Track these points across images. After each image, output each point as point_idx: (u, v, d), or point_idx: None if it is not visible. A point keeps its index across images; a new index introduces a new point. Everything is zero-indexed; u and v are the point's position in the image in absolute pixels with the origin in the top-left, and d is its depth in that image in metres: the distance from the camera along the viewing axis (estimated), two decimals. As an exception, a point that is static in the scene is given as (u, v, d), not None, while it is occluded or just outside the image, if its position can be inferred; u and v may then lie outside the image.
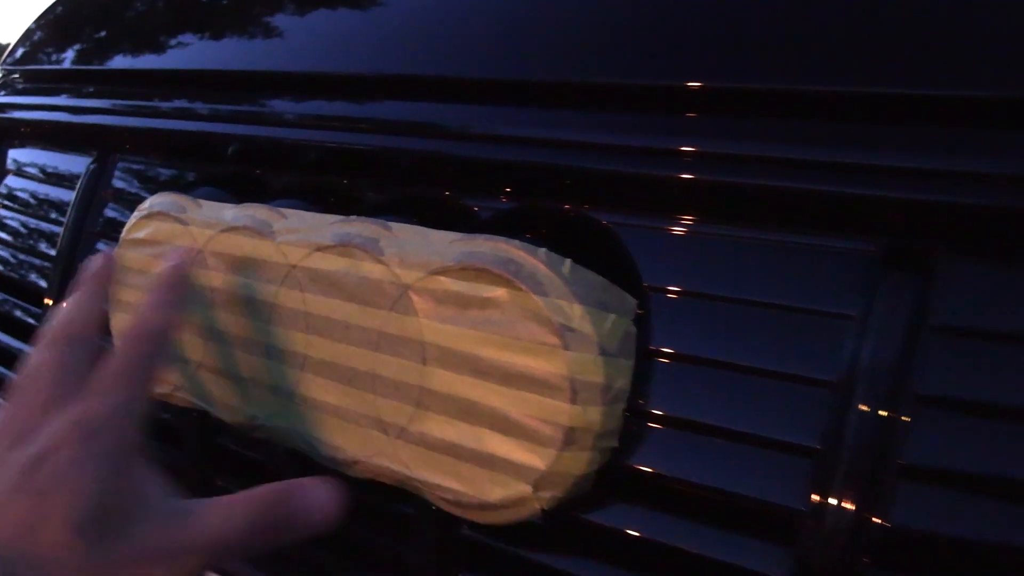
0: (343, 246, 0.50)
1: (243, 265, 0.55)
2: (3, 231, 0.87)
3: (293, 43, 0.65)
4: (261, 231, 0.54)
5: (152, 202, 0.62)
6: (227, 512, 0.40)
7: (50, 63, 0.89)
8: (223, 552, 0.39)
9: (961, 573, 0.37)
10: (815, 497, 0.39)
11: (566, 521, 0.45)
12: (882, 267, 0.40)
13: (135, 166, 0.74)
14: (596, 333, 0.43)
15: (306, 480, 0.41)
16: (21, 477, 0.37)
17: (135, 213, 0.63)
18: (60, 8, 0.95)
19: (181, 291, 0.49)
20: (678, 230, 0.45)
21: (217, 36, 0.72)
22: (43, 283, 0.78)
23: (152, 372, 0.44)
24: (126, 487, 0.39)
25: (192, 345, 0.58)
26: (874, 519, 0.38)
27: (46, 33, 0.95)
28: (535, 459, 0.43)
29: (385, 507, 0.51)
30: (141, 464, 0.41)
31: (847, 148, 0.41)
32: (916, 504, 0.38)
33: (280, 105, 0.62)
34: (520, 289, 0.43)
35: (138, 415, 0.42)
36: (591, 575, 0.45)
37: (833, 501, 0.39)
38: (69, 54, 0.87)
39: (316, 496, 0.41)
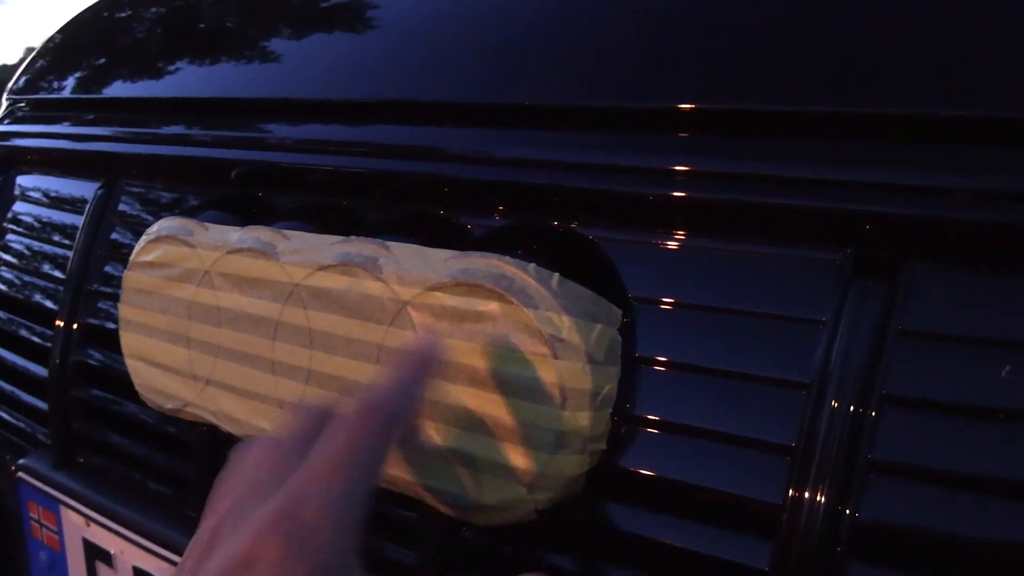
0: (344, 265, 0.53)
1: (248, 284, 0.57)
2: (13, 256, 0.90)
3: (292, 70, 0.67)
4: (265, 252, 0.57)
5: (160, 226, 0.65)
6: None
7: (55, 91, 0.92)
8: None
9: (928, 563, 0.39)
10: (792, 492, 0.41)
11: (560, 521, 0.48)
12: (851, 275, 0.43)
13: (141, 191, 0.77)
14: (584, 343, 0.45)
15: None
16: None
17: (143, 236, 0.66)
18: (62, 36, 0.98)
19: (427, 375, 0.41)
20: (659, 244, 0.48)
21: (219, 64, 0.75)
22: (54, 305, 0.80)
23: (379, 458, 0.35)
24: None
25: (200, 362, 0.60)
26: (847, 512, 0.40)
27: (49, 61, 0.98)
28: (529, 462, 0.46)
29: (390, 512, 0.54)
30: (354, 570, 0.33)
31: (816, 164, 0.44)
32: (886, 498, 0.40)
33: (281, 130, 0.65)
34: (512, 303, 0.46)
35: (357, 510, 0.33)
36: (584, 572, 0.47)
37: (808, 496, 0.41)
38: (73, 82, 0.90)
39: None
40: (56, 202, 0.86)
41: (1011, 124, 0.41)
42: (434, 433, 0.49)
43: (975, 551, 0.38)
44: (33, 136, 0.91)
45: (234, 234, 0.60)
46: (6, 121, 0.97)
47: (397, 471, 0.50)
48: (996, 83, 0.42)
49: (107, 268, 0.77)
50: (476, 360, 0.47)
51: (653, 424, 0.46)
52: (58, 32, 1.01)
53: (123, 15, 0.94)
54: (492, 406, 0.47)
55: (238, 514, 0.32)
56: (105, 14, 0.97)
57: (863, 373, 0.41)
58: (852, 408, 0.41)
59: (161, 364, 0.64)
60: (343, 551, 0.32)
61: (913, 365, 0.41)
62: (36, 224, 0.89)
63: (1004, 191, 0.40)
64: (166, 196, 0.74)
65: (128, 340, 0.66)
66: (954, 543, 0.39)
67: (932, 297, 0.41)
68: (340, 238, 0.55)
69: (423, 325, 0.49)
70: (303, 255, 0.55)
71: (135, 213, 0.76)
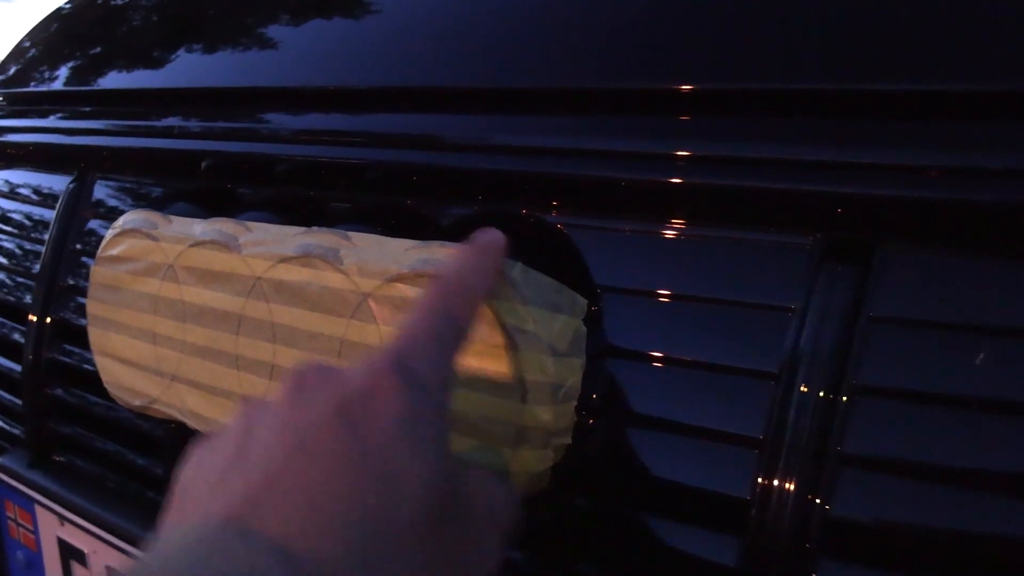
0: (305, 257, 0.51)
1: (211, 278, 0.56)
2: (-11, 252, 0.88)
3: (259, 60, 0.66)
4: (227, 244, 0.55)
5: (125, 219, 0.63)
6: None
7: (30, 86, 0.90)
8: None
9: (899, 555, 0.38)
10: (760, 486, 0.40)
11: (524, 518, 0.46)
12: (821, 260, 0.41)
13: (113, 184, 0.75)
14: (546, 334, 0.44)
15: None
16: (324, 426, 0.30)
17: (109, 230, 0.64)
18: (37, 32, 0.97)
19: (493, 256, 0.41)
20: (625, 231, 0.46)
21: (189, 56, 0.73)
22: (27, 300, 0.79)
23: (464, 316, 0.38)
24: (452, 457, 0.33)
25: (166, 358, 0.59)
26: (816, 505, 0.39)
27: (26, 57, 0.96)
28: (490, 458, 0.44)
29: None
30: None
31: (782, 144, 0.42)
32: (857, 491, 0.38)
33: (248, 121, 0.63)
34: (472, 293, 0.44)
35: (449, 360, 0.36)
36: (550, 569, 0.46)
37: (777, 489, 0.40)
38: (48, 76, 0.89)
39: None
40: (33, 197, 0.85)
41: (985, 99, 0.39)
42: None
43: (949, 543, 0.37)
44: (10, 131, 0.89)
45: (197, 226, 0.58)
46: (-15, 116, 0.96)
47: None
48: (970, 57, 0.40)
49: (79, 263, 0.75)
50: (437, 353, 0.45)
51: (619, 417, 0.45)
52: (34, 28, 1.00)
53: (96, 10, 0.93)
54: (452, 400, 0.45)
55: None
56: (80, 10, 0.95)
57: (834, 362, 0.40)
58: (822, 398, 0.39)
59: (128, 360, 0.63)
60: (443, 392, 0.35)
61: (885, 353, 0.39)
62: (14, 220, 0.88)
63: (979, 169, 0.38)
64: (137, 189, 0.73)
65: (96, 336, 0.65)
66: (927, 536, 0.37)
67: (904, 282, 0.39)
68: (302, 229, 0.53)
69: (384, 317, 0.47)
70: (265, 247, 0.54)
71: (108, 206, 0.75)
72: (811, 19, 0.44)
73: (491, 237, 0.42)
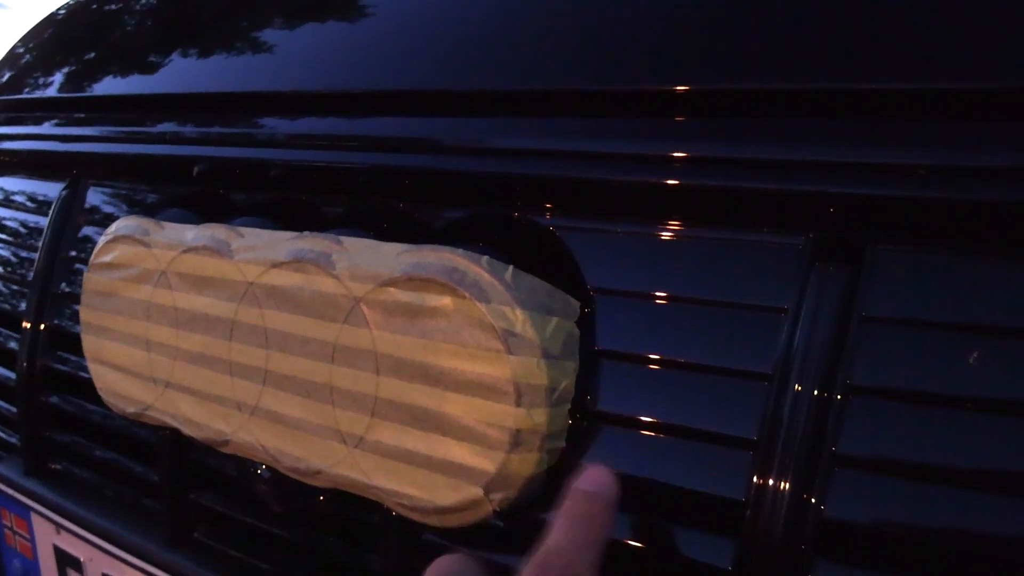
0: (297, 262, 0.51)
1: (204, 284, 0.56)
2: (-17, 259, 0.88)
3: (250, 66, 0.66)
4: (220, 250, 0.55)
5: (117, 226, 0.63)
6: None
7: (23, 92, 0.90)
8: None
9: (894, 556, 0.37)
10: (755, 488, 0.40)
11: (521, 522, 0.46)
12: (813, 260, 0.41)
13: (106, 190, 0.75)
14: (539, 337, 0.44)
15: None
16: None
17: (102, 237, 0.64)
18: (31, 40, 0.97)
19: (601, 523, 0.37)
20: (618, 232, 0.46)
21: (180, 61, 0.73)
22: (21, 307, 0.79)
23: None
24: None
25: (160, 364, 0.59)
26: (811, 506, 0.39)
27: (19, 63, 0.96)
28: (485, 462, 0.44)
29: (349, 515, 0.52)
30: None
31: (774, 145, 0.42)
32: (851, 491, 0.38)
33: (239, 126, 0.63)
34: (464, 297, 0.44)
35: None
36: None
37: (772, 491, 0.39)
38: (41, 83, 0.88)
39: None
40: (22, 204, 0.85)
41: (976, 98, 0.39)
42: (390, 433, 0.47)
43: (942, 542, 0.37)
44: (3, 138, 0.89)
45: (189, 232, 0.58)
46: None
47: (354, 473, 0.49)
48: (960, 57, 0.40)
49: (73, 270, 0.75)
50: (430, 357, 0.45)
51: (613, 420, 0.45)
52: (27, 34, 1.00)
53: (89, 16, 0.92)
54: (447, 404, 0.45)
55: None
56: (70, 17, 0.95)
57: (827, 361, 0.39)
58: (816, 398, 0.39)
59: (122, 367, 0.62)
60: None
61: (878, 352, 0.39)
62: (7, 227, 0.87)
63: (970, 168, 0.38)
64: (130, 195, 0.73)
65: (89, 343, 0.65)
66: (922, 536, 0.37)
67: (896, 281, 0.39)
68: (294, 234, 0.53)
69: (376, 321, 0.47)
70: (257, 252, 0.53)
71: (101, 213, 0.75)
72: (801, 20, 0.44)
73: (597, 488, 0.37)
